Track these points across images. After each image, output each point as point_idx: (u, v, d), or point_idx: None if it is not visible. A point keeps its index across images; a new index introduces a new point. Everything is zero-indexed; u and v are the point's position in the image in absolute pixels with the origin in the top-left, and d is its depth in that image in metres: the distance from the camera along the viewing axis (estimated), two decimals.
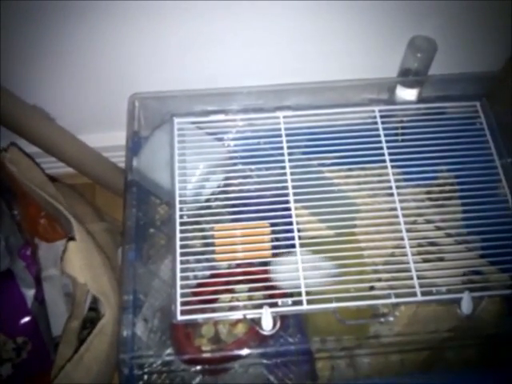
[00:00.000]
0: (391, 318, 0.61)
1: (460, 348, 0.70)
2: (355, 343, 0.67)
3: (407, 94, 0.77)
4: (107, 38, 0.76)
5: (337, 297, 0.59)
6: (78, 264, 0.59)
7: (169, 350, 0.68)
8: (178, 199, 0.66)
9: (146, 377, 0.69)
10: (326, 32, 0.78)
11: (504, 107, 0.75)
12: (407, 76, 0.78)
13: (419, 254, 0.65)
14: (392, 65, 0.80)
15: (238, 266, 0.66)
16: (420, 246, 0.65)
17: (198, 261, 0.65)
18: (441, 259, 0.65)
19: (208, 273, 0.67)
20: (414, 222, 0.67)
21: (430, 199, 0.73)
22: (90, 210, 0.84)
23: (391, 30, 0.78)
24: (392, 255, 0.64)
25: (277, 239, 0.66)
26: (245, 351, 0.63)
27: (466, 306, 0.58)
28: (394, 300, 0.59)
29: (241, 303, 0.61)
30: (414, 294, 0.60)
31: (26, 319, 0.64)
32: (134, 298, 0.69)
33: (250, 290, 0.64)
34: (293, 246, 0.63)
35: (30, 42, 0.75)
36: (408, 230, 0.64)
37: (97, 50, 0.77)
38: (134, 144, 0.73)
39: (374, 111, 0.72)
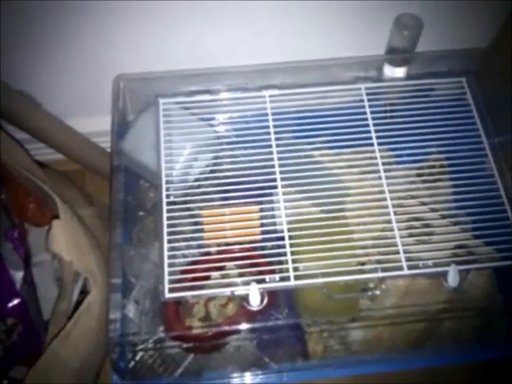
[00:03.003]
0: (378, 292, 0.61)
1: (450, 323, 0.71)
2: (346, 318, 0.67)
3: (394, 71, 0.77)
4: (91, 22, 0.75)
5: (324, 272, 0.59)
6: (63, 241, 0.59)
7: (160, 330, 0.68)
8: (164, 179, 0.66)
9: (137, 357, 0.69)
10: (312, 10, 0.77)
11: (491, 83, 0.75)
12: (394, 54, 0.78)
13: (407, 229, 0.65)
14: (379, 43, 0.80)
15: (227, 244, 0.66)
16: (408, 221, 0.66)
17: (186, 239, 0.65)
18: (429, 234, 0.66)
19: (196, 251, 0.67)
20: (402, 199, 0.68)
21: (420, 175, 0.73)
22: (79, 195, 0.83)
23: (377, 8, 0.78)
24: (381, 231, 0.64)
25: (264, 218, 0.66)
26: (234, 327, 0.63)
27: (452, 279, 0.59)
28: (380, 274, 0.60)
29: (229, 280, 0.62)
30: (400, 268, 0.60)
31: (16, 301, 0.64)
32: (123, 280, 0.69)
33: (239, 267, 0.64)
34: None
35: (15, 28, 0.74)
36: (395, 206, 0.65)
37: (81, 34, 0.77)
38: (120, 127, 0.73)
39: (360, 89, 0.72)
